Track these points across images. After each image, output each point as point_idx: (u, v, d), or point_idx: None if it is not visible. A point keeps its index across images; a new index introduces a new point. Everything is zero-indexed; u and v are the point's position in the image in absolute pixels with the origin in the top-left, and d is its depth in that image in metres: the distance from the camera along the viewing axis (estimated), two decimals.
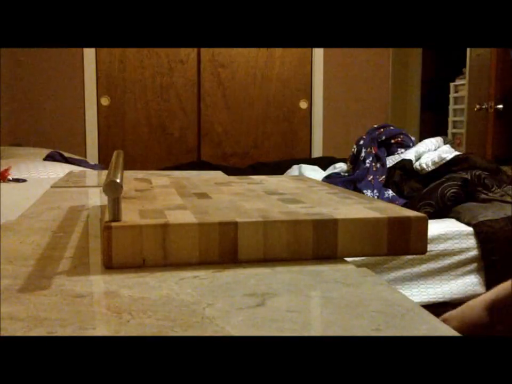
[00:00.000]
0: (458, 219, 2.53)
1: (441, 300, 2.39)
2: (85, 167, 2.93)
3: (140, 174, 1.23)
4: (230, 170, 2.67)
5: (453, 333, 0.38)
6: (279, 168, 3.32)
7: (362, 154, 3.09)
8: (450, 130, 4.23)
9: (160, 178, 0.93)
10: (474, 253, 2.44)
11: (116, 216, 0.53)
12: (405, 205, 2.57)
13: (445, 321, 0.89)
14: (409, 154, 3.05)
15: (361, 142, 3.11)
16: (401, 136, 3.17)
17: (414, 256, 2.35)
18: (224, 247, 0.54)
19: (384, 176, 3.02)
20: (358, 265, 0.54)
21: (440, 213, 2.59)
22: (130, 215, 0.56)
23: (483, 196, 2.69)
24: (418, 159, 3.05)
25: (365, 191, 2.87)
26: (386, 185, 2.98)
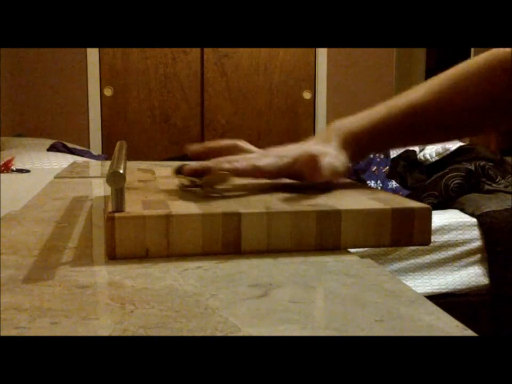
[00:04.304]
0: (462, 210, 2.53)
1: (444, 290, 2.40)
2: (88, 157, 2.93)
3: (143, 164, 1.23)
4: None
5: (457, 323, 0.38)
6: None
7: None
8: None
9: (164, 169, 0.93)
10: (478, 243, 2.44)
11: (119, 207, 0.53)
12: (408, 196, 2.57)
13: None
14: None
15: None
16: None
17: (418, 247, 2.35)
18: (228, 238, 0.54)
19: (388, 167, 3.01)
20: (362, 256, 0.54)
21: (444, 204, 2.59)
22: (133, 205, 0.56)
23: (487, 186, 2.69)
24: (422, 149, 3.04)
25: (368, 181, 2.86)
26: (390, 176, 2.97)
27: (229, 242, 0.54)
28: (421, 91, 0.71)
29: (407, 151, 2.99)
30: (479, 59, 0.70)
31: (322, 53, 4.29)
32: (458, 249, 2.40)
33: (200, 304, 0.41)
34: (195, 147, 0.71)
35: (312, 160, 0.62)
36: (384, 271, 0.51)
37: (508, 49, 0.66)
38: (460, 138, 0.79)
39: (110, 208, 0.54)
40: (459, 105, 0.69)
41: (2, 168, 1.78)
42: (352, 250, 0.57)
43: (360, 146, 0.70)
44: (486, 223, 2.38)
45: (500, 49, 0.67)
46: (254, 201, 0.60)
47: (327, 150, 0.66)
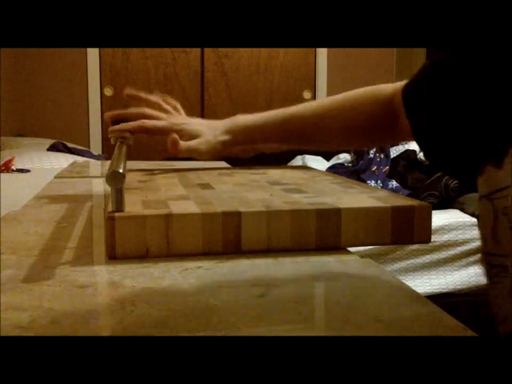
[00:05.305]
0: (462, 210, 2.53)
1: (445, 290, 2.40)
2: (88, 157, 2.93)
3: (143, 164, 1.23)
4: (233, 161, 2.67)
5: (457, 323, 0.38)
6: (282, 158, 3.32)
7: None
8: None
9: (163, 169, 0.93)
10: (478, 243, 2.43)
11: (119, 207, 0.53)
12: (408, 196, 2.57)
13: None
14: (414, 144, 3.04)
15: None
16: None
17: (418, 246, 2.35)
18: (228, 237, 0.54)
19: (388, 167, 3.01)
20: (362, 255, 0.54)
21: (444, 204, 2.59)
22: (133, 205, 0.56)
23: None
24: None
25: (368, 181, 2.86)
26: (390, 176, 2.97)
27: (229, 241, 0.54)
28: (309, 105, 0.86)
29: (407, 151, 2.99)
30: (367, 88, 0.82)
31: (322, 53, 4.29)
32: (458, 249, 2.40)
33: (200, 304, 0.41)
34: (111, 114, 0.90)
35: (173, 141, 0.80)
36: (384, 271, 0.51)
37: (390, 87, 0.79)
38: (332, 149, 0.95)
39: (110, 208, 0.54)
40: (336, 120, 0.83)
41: (2, 168, 1.78)
42: (352, 249, 0.57)
43: (247, 135, 0.85)
44: None
45: (385, 85, 0.80)
46: (254, 200, 0.60)
47: (204, 134, 0.83)
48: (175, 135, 0.80)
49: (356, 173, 2.95)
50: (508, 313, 0.50)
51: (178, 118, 0.86)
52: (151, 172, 0.88)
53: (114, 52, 4.05)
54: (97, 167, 1.38)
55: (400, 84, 0.76)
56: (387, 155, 3.03)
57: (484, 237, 0.56)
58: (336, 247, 0.56)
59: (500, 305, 0.52)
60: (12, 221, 0.69)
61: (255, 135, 0.85)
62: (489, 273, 0.55)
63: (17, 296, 0.43)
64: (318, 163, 3.26)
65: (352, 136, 0.84)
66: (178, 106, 0.90)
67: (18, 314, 0.39)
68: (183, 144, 0.81)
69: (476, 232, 2.39)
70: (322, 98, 0.88)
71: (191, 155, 0.83)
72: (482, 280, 2.40)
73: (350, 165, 3.16)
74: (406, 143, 3.04)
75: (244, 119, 0.85)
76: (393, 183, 2.88)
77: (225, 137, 0.84)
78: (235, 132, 0.84)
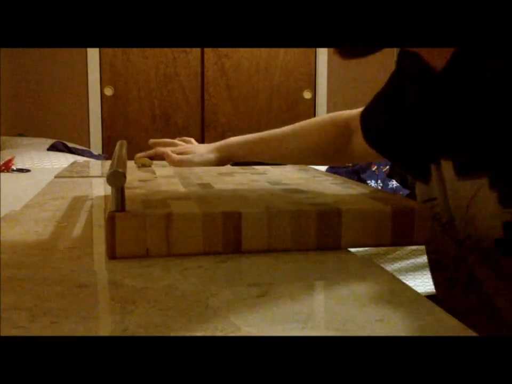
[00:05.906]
0: None
1: None
2: (88, 157, 2.93)
3: None
4: None
5: (457, 323, 0.38)
6: None
7: None
8: None
9: (164, 169, 0.93)
10: None
11: (119, 206, 0.53)
12: (408, 196, 2.57)
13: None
14: None
15: None
16: None
17: (418, 246, 2.34)
18: (228, 237, 0.54)
19: (388, 167, 3.01)
20: (362, 255, 0.54)
21: None
22: (134, 205, 0.56)
23: None
24: None
25: (369, 181, 2.86)
26: (391, 175, 2.97)
27: (229, 241, 0.54)
28: (282, 130, 1.08)
29: None
30: (330, 114, 1.01)
31: (322, 53, 4.28)
32: None
33: (201, 304, 0.41)
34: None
35: (165, 154, 1.07)
36: (384, 271, 0.51)
37: (346, 114, 0.95)
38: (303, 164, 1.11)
39: (110, 208, 0.54)
40: (303, 142, 1.03)
41: (3, 167, 1.78)
42: (352, 250, 0.57)
43: (232, 152, 1.08)
44: None
45: (342, 112, 0.98)
46: (254, 201, 0.60)
47: (195, 150, 1.08)
48: (168, 150, 1.07)
49: (356, 172, 2.95)
50: (443, 290, 0.71)
51: (186, 146, 1.12)
52: (151, 171, 0.88)
53: (114, 52, 4.04)
54: (98, 166, 1.38)
55: (356, 111, 0.92)
56: None
57: None
58: (336, 248, 0.56)
59: (438, 287, 0.73)
60: (12, 221, 0.69)
61: (239, 152, 1.08)
62: (429, 265, 0.73)
63: (17, 296, 0.43)
64: None
65: (317, 154, 1.02)
66: (193, 140, 1.16)
67: (18, 314, 0.39)
68: (179, 156, 1.06)
69: None
70: (296, 123, 1.10)
71: (186, 165, 1.03)
72: None
73: (350, 164, 3.16)
74: None
75: (232, 139, 1.09)
76: (393, 183, 2.88)
77: (215, 154, 1.07)
78: (224, 149, 1.07)
